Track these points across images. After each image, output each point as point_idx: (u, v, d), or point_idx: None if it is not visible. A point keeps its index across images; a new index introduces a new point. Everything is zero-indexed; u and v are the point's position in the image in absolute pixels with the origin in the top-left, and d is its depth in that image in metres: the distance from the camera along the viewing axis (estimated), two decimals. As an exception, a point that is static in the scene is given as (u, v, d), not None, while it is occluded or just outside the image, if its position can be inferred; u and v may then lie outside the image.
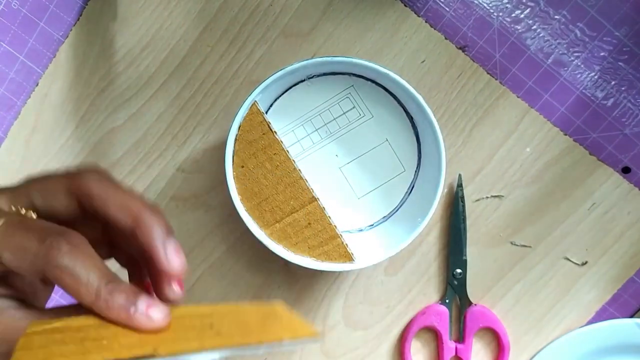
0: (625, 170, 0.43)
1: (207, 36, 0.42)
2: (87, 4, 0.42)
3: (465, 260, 0.44)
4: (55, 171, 0.26)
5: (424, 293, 0.45)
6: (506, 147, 0.43)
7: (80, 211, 0.25)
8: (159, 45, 0.43)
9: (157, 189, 0.44)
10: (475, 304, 0.44)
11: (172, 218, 0.44)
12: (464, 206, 0.43)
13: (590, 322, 0.45)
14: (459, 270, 0.43)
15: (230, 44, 0.42)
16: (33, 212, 0.25)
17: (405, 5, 0.41)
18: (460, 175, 0.43)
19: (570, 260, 0.44)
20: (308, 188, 0.38)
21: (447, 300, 0.44)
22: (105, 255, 0.28)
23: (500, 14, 0.42)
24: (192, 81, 0.43)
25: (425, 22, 0.41)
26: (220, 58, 0.42)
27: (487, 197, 0.43)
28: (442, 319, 0.44)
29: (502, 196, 0.43)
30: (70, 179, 0.25)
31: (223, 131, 0.43)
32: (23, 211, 0.25)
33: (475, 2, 0.42)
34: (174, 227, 0.46)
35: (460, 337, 0.44)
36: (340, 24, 0.42)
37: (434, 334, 0.45)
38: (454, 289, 0.44)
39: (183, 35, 0.42)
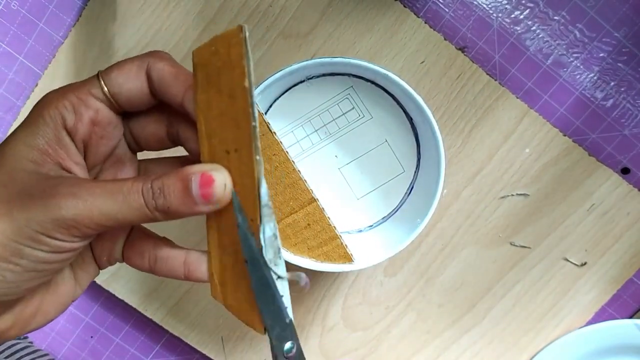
0: (625, 171, 0.43)
1: (206, 37, 0.42)
2: (86, 5, 0.42)
3: (291, 324, 0.25)
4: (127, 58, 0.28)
5: (424, 294, 0.45)
6: (505, 148, 0.43)
7: (150, 93, 0.27)
8: (159, 46, 0.43)
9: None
10: None
11: (171, 219, 0.44)
12: (273, 236, 0.25)
13: (589, 323, 0.45)
14: (289, 345, 0.25)
15: (229, 45, 0.42)
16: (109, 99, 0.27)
17: (404, 6, 0.41)
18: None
19: (570, 261, 0.44)
20: (307, 189, 0.38)
21: None
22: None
23: (500, 14, 0.42)
24: (191, 82, 0.43)
25: (425, 22, 0.41)
26: (220, 59, 0.42)
27: (513, 195, 0.43)
28: None
29: (528, 195, 0.43)
30: (143, 58, 0.27)
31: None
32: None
33: (475, 3, 0.42)
34: (174, 227, 0.46)
35: None
36: (339, 24, 0.42)
37: None
38: None
39: (182, 36, 0.42)
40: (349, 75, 0.39)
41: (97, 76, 0.27)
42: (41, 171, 0.25)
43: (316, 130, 0.40)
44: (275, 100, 0.40)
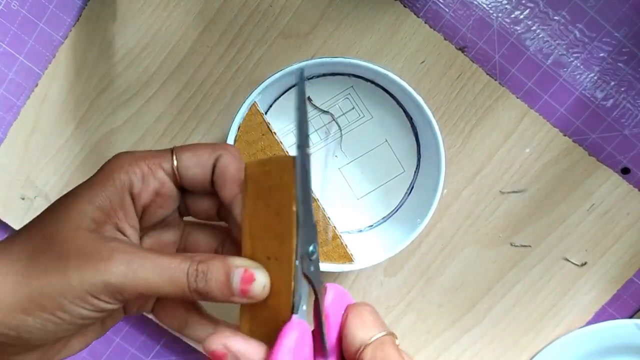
0: (625, 171, 0.43)
1: (206, 37, 0.42)
2: (86, 5, 0.42)
3: (315, 227, 0.26)
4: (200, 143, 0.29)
5: (424, 294, 0.45)
6: (506, 148, 0.43)
7: (211, 183, 0.29)
8: (159, 46, 0.43)
9: (156, 189, 0.44)
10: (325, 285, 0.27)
11: (171, 219, 0.44)
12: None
13: (589, 323, 0.45)
14: (312, 247, 0.26)
15: (229, 45, 0.42)
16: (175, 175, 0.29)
17: (404, 6, 0.41)
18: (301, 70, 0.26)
19: (570, 261, 0.44)
20: None
21: (303, 307, 0.26)
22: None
23: (500, 14, 0.42)
24: (191, 82, 0.43)
25: (425, 22, 0.41)
26: (220, 59, 0.42)
27: (514, 192, 0.43)
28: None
29: (525, 190, 0.43)
30: (216, 149, 0.29)
31: (222, 132, 0.43)
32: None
33: (475, 2, 0.42)
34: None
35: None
36: (339, 24, 0.42)
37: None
38: (310, 279, 0.26)
39: (182, 36, 0.42)
40: (349, 75, 0.39)
41: (172, 151, 0.28)
42: (99, 231, 0.27)
43: (316, 130, 0.40)
44: (275, 100, 0.40)
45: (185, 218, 0.32)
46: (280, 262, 0.26)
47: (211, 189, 0.29)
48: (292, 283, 0.25)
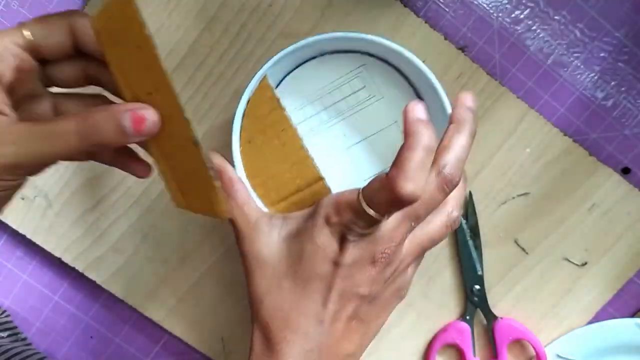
0: (625, 171, 0.43)
1: (206, 37, 0.42)
2: (86, 5, 0.42)
3: (481, 276, 0.44)
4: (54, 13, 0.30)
5: (424, 294, 0.45)
6: (506, 148, 0.43)
7: (72, 47, 0.30)
8: (158, 45, 0.42)
9: (157, 189, 0.44)
10: (502, 318, 0.44)
11: (171, 219, 0.44)
12: (468, 222, 0.43)
13: (590, 323, 0.45)
14: (477, 287, 0.43)
15: (229, 45, 0.42)
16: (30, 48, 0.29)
17: (404, 6, 0.41)
18: None
19: (570, 261, 0.44)
20: (314, 166, 0.37)
21: (467, 317, 0.44)
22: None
23: (500, 14, 0.42)
24: (191, 82, 0.43)
25: (425, 22, 0.41)
26: (220, 58, 0.42)
27: (514, 198, 0.43)
28: (464, 335, 0.44)
29: (528, 193, 0.43)
30: (66, 15, 0.30)
31: (223, 131, 0.43)
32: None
33: (475, 2, 0.42)
34: (174, 227, 0.46)
35: (494, 353, 0.44)
36: (339, 24, 0.42)
37: (457, 351, 0.45)
38: (475, 305, 0.44)
39: (182, 36, 0.42)
40: (361, 52, 0.39)
41: (20, 27, 0.29)
42: None
43: (326, 108, 0.39)
44: (285, 76, 0.39)
45: (53, 90, 0.33)
46: (160, 90, 0.27)
47: (74, 54, 0.30)
48: (177, 102, 0.27)
